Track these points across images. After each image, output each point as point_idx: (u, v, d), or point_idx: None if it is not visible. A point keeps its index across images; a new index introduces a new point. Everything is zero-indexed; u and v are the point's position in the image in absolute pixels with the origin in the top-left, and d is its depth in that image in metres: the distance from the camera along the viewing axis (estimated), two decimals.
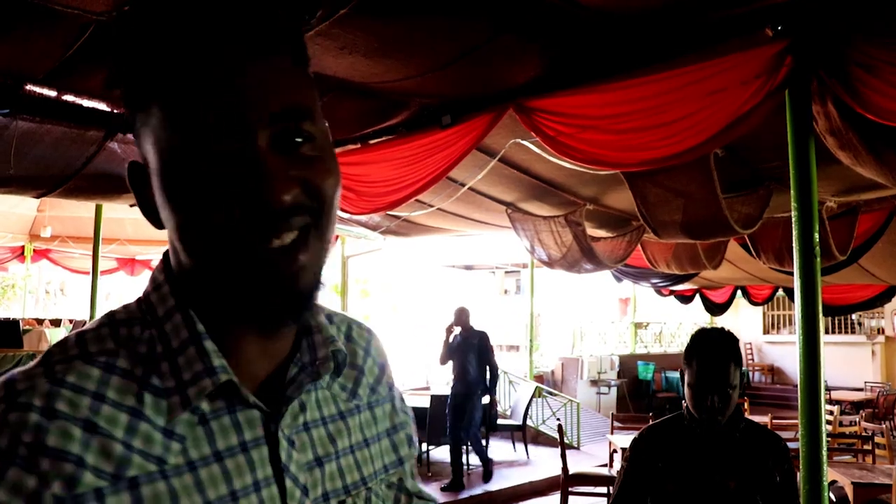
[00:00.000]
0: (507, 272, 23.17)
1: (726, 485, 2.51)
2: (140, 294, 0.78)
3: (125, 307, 0.76)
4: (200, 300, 0.73)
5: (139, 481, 0.65)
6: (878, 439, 8.23)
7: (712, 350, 2.55)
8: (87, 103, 5.51)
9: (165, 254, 0.78)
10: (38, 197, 6.92)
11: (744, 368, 20.04)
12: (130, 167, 0.78)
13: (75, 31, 3.98)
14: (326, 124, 0.75)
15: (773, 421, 8.75)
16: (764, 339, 20.99)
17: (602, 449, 11.01)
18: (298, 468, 0.76)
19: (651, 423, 2.88)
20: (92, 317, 10.24)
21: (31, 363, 0.70)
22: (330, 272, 0.75)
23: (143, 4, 0.68)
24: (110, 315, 0.75)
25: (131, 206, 7.33)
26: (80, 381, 0.67)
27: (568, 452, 7.83)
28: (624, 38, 4.01)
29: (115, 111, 5.62)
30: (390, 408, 0.93)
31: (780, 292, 13.63)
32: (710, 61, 3.75)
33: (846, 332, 19.52)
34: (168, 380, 0.70)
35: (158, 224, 0.74)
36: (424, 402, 9.52)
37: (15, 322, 10.91)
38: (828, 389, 14.48)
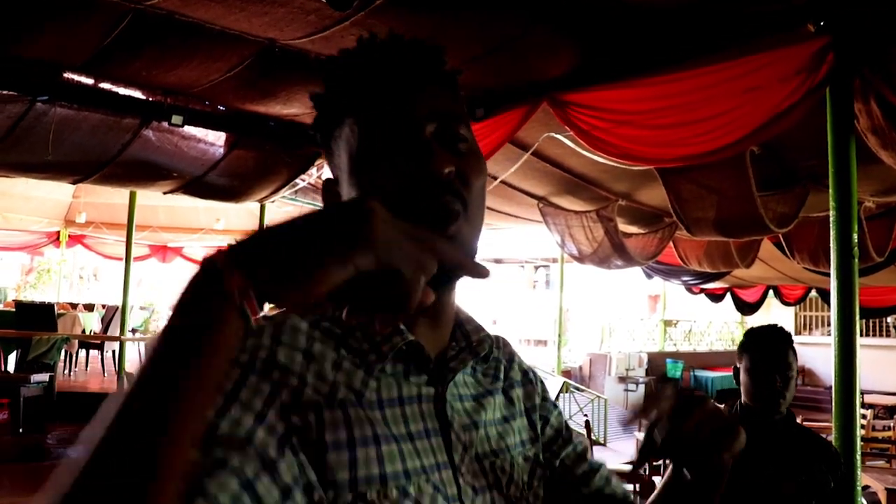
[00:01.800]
0: (536, 266, 23.10)
1: (780, 487, 2.47)
2: None
3: None
4: None
5: (345, 404, 0.82)
6: None
7: (771, 336, 2.60)
8: (123, 91, 5.58)
9: None
10: (74, 183, 7.03)
11: None
12: (326, 183, 0.99)
13: (114, 20, 4.03)
14: (475, 137, 0.97)
15: (804, 423, 8.63)
16: (796, 339, 20.54)
17: (629, 446, 10.94)
18: (459, 427, 0.93)
19: None
20: (125, 302, 10.38)
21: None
22: None
23: (350, 56, 0.94)
24: None
25: (165, 193, 7.41)
26: (296, 325, 0.84)
27: (595, 449, 7.79)
28: (661, 33, 3.97)
29: (151, 99, 5.68)
30: (525, 391, 1.10)
31: (814, 293, 13.45)
32: (747, 57, 3.70)
33: (880, 335, 19.18)
34: (363, 342, 0.87)
35: None
36: None
37: (50, 306, 11.09)
38: (861, 393, 14.26)
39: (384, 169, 0.88)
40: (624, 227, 7.63)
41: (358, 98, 0.92)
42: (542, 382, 1.15)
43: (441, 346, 0.95)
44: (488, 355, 1.03)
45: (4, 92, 4.86)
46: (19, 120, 5.15)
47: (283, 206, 10.15)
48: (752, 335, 2.64)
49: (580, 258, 8.00)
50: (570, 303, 17.80)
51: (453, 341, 0.97)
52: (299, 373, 0.80)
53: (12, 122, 5.13)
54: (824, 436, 2.80)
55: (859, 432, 3.33)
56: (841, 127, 3.48)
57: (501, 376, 1.07)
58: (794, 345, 2.60)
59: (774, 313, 19.73)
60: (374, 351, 0.87)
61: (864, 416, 9.20)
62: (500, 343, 1.12)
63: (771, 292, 14.06)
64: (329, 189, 0.97)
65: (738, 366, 2.63)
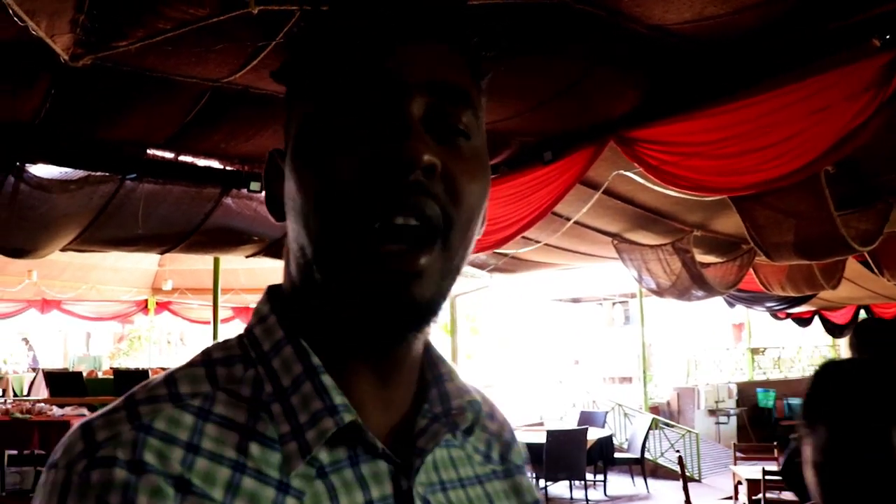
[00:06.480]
0: (614, 303, 22.85)
1: None
2: (241, 331, 0.70)
3: (222, 343, 0.67)
4: (312, 328, 0.65)
5: None
6: None
7: (859, 398, 1.37)
8: (202, 163, 5.84)
9: (270, 287, 0.72)
10: (162, 253, 7.34)
11: None
12: (269, 156, 0.72)
13: (194, 98, 4.26)
14: (484, 135, 0.69)
15: None
16: None
17: (725, 481, 10.63)
18: None
19: None
20: None
21: (110, 405, 0.60)
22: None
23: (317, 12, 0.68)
24: (205, 353, 0.66)
25: (247, 257, 7.66)
26: (170, 428, 0.57)
27: (689, 485, 7.62)
28: (723, 63, 3.99)
29: (228, 168, 5.93)
30: (525, 484, 0.80)
31: None
32: (811, 79, 3.69)
33: None
34: (282, 424, 0.61)
35: (280, 216, 0.70)
36: (539, 438, 9.47)
37: (145, 372, 11.50)
38: None
39: (337, 153, 0.61)
40: (701, 257, 7.53)
41: (323, 49, 0.65)
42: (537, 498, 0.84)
43: (402, 414, 0.68)
44: (472, 428, 0.73)
45: (97, 173, 5.16)
46: (111, 198, 5.45)
47: None
48: (823, 390, 1.43)
49: (659, 292, 7.93)
50: (651, 337, 17.52)
51: (425, 405, 0.69)
52: None
53: (105, 200, 5.43)
54: None
55: None
56: None
57: (496, 456, 0.79)
58: None
59: None
60: (296, 438, 0.60)
61: None
62: (494, 412, 0.82)
63: (862, 312, 13.59)
64: (272, 162, 0.72)
65: (799, 438, 1.45)
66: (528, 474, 0.83)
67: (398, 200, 0.58)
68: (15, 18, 2.79)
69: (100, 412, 0.59)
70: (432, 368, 0.72)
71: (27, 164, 4.93)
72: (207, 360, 0.65)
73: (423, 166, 0.58)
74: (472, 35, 0.67)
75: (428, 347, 0.72)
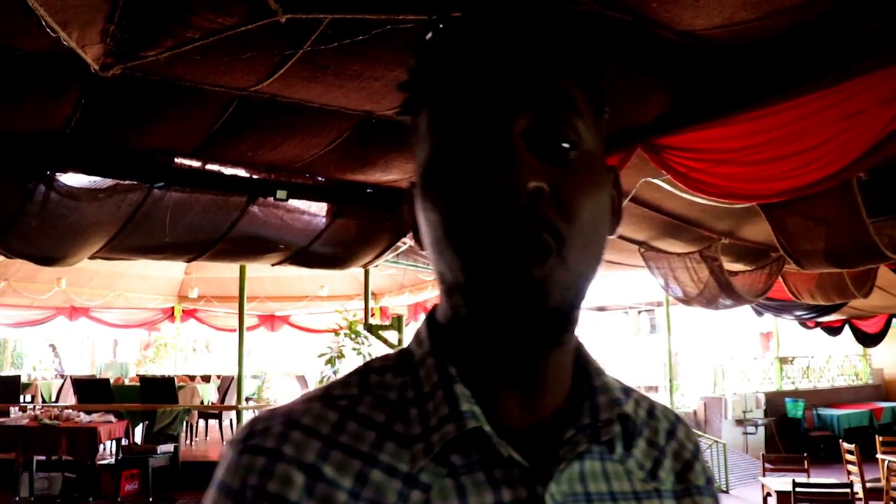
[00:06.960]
0: (640, 311, 22.68)
1: None
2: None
3: (383, 356, 0.75)
4: (456, 343, 0.70)
5: None
6: None
7: None
8: (229, 171, 5.88)
9: (434, 305, 0.76)
10: (188, 261, 7.37)
11: None
12: (406, 190, 0.74)
13: (221, 107, 4.28)
14: (600, 136, 0.70)
15: None
16: None
17: (754, 492, 10.49)
18: None
19: None
20: (240, 373, 10.77)
21: (283, 404, 0.71)
22: None
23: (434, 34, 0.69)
24: (367, 363, 0.75)
25: (273, 265, 7.69)
26: (315, 423, 0.66)
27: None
28: (750, 68, 3.95)
29: (255, 176, 5.96)
30: None
31: None
32: (843, 84, 3.62)
33: None
34: (415, 426, 0.66)
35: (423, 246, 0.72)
36: None
37: (171, 379, 11.57)
38: None
39: (453, 182, 0.64)
40: (729, 265, 7.46)
41: (436, 77, 0.67)
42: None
43: (549, 424, 0.70)
44: (631, 438, 0.73)
45: (126, 182, 5.21)
46: (139, 206, 5.49)
47: (386, 270, 10.38)
48: None
49: (686, 300, 7.86)
50: (678, 346, 17.36)
51: (575, 416, 0.70)
52: (295, 502, 0.62)
53: (133, 209, 5.47)
54: None
55: None
56: None
57: (666, 475, 0.76)
58: None
59: None
60: (424, 439, 0.65)
61: None
62: (675, 429, 0.80)
63: (894, 321, 13.37)
64: (410, 193, 0.73)
65: None
66: (715, 495, 0.80)
67: (507, 229, 0.61)
68: (48, 29, 2.82)
69: (271, 407, 0.70)
70: (587, 380, 0.73)
71: (57, 173, 4.99)
72: (364, 369, 0.73)
73: (528, 192, 0.60)
74: (572, 41, 0.69)
75: (583, 359, 0.75)
